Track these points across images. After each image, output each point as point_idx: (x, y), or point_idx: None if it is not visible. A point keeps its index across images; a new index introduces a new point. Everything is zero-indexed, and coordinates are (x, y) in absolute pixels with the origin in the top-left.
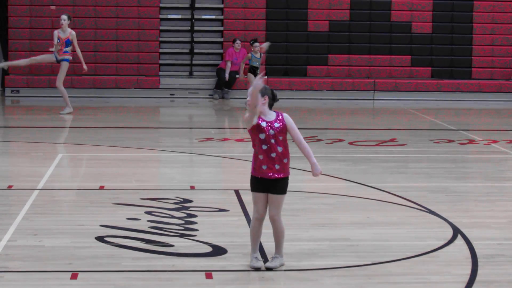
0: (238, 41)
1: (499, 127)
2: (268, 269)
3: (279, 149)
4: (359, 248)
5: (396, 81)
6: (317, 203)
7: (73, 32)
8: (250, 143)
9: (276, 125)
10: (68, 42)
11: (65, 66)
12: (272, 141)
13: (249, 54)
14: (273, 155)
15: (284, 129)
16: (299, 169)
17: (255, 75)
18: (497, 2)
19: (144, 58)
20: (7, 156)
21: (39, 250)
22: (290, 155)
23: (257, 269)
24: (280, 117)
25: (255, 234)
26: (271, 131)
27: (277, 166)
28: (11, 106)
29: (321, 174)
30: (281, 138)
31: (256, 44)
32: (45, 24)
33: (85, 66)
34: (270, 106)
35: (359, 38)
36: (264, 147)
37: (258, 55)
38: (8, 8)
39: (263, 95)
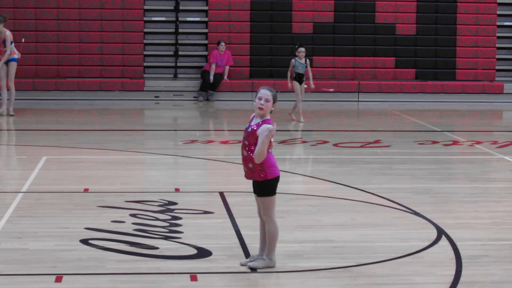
0: (222, 43)
1: (483, 128)
2: (252, 269)
3: (244, 153)
4: (343, 249)
5: (380, 82)
6: (301, 204)
7: (8, 32)
8: (234, 145)
9: (249, 129)
10: (5, 42)
11: (12, 66)
12: (242, 144)
13: (293, 60)
14: (241, 158)
15: (253, 135)
16: (283, 171)
17: (301, 83)
18: (480, 4)
19: (128, 60)
20: None
21: (23, 253)
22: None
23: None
24: (261, 123)
25: (259, 234)
26: (244, 134)
27: (245, 169)
28: None
29: (307, 176)
30: (246, 142)
31: (301, 49)
32: (29, 28)
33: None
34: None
35: (343, 39)
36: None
37: (302, 61)
38: None
39: (274, 102)
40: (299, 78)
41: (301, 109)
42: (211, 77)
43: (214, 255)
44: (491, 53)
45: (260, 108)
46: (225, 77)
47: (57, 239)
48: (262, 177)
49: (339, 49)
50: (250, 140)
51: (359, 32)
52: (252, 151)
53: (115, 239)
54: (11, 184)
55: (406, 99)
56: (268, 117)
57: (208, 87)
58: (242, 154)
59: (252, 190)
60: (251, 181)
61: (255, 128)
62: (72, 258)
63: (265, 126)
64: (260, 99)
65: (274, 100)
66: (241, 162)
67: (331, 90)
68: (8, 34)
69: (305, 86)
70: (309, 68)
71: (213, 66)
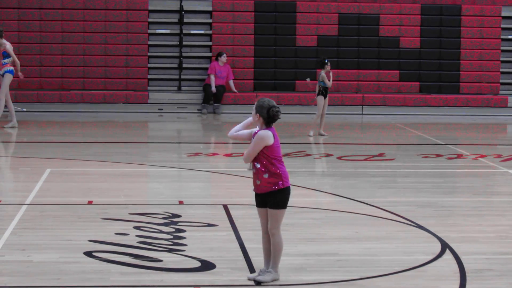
0: (224, 55)
1: (487, 142)
2: (258, 283)
3: (257, 165)
4: (347, 263)
5: (384, 95)
6: (305, 217)
7: (8, 44)
8: (238, 158)
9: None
10: (5, 54)
11: (8, 78)
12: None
13: (323, 74)
14: (253, 170)
15: None
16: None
17: (325, 96)
18: (484, 17)
19: (132, 73)
20: None
21: (27, 266)
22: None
23: (250, 280)
24: (257, 131)
25: (263, 248)
26: None
27: (258, 182)
28: None
29: (311, 189)
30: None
31: (328, 63)
32: (33, 40)
33: (20, 74)
34: (267, 124)
35: (347, 53)
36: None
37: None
38: None
39: (256, 112)
40: (325, 91)
41: (323, 122)
42: (213, 88)
43: (218, 268)
44: (495, 66)
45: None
46: (234, 89)
47: (61, 251)
48: (275, 188)
49: (343, 62)
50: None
51: (363, 45)
52: (266, 160)
53: (119, 252)
54: (15, 196)
55: (410, 112)
56: (264, 127)
57: (213, 99)
58: (255, 167)
59: (255, 204)
60: (254, 194)
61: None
62: (75, 271)
63: (261, 132)
64: None
65: (257, 111)
66: (251, 176)
67: (308, 79)
68: (9, 46)
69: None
70: (331, 81)
71: (212, 77)
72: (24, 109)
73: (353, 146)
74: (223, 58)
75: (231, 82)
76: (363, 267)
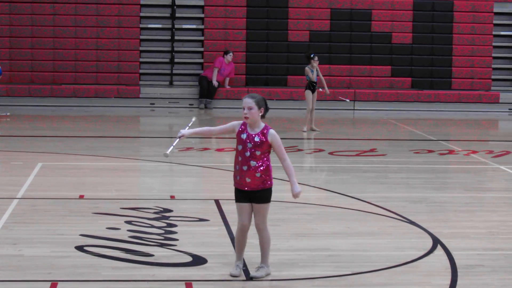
0: (231, 53)
1: (479, 138)
2: (253, 278)
3: (252, 163)
4: (339, 258)
5: (376, 91)
6: (297, 213)
7: None
8: (230, 153)
9: (257, 139)
10: None
11: None
12: (247, 154)
13: (307, 68)
14: (245, 168)
15: (264, 145)
16: (279, 179)
17: (314, 91)
18: (477, 13)
19: (124, 67)
20: None
21: (18, 260)
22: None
23: (235, 277)
24: (265, 132)
25: (238, 243)
26: (249, 144)
27: (248, 180)
28: None
29: (302, 184)
30: (258, 153)
31: (316, 58)
32: (25, 34)
33: None
34: (261, 117)
35: (339, 48)
36: (240, 158)
37: (314, 69)
38: None
39: (259, 107)
40: (313, 86)
41: (313, 118)
42: (214, 82)
43: (209, 262)
44: (487, 62)
45: (246, 118)
46: (227, 85)
47: (52, 246)
48: (268, 185)
49: (335, 57)
50: (260, 149)
51: (355, 41)
52: (262, 159)
53: (110, 246)
54: (6, 190)
55: (402, 108)
56: (263, 124)
57: (206, 94)
58: (249, 165)
59: (236, 199)
60: (235, 189)
61: (263, 139)
62: (67, 265)
63: (273, 131)
64: (243, 108)
65: (260, 105)
66: (241, 174)
67: (347, 100)
68: None
69: (321, 90)
70: (321, 76)
71: (215, 71)
72: (8, 113)
73: (345, 142)
74: (229, 57)
75: (227, 79)
76: (354, 263)
